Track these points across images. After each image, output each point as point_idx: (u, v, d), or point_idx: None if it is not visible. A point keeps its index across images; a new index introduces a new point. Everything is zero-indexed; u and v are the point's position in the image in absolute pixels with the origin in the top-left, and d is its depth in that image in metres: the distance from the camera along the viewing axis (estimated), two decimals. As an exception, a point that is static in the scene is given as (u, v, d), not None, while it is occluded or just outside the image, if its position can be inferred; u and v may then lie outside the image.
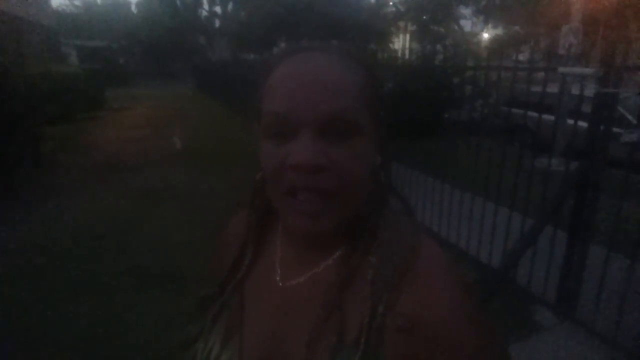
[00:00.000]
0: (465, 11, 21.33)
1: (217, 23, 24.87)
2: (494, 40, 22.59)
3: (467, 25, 23.89)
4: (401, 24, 23.77)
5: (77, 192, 4.88)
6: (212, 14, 24.84)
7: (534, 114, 2.77)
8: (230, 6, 23.77)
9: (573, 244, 2.46)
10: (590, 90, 2.37)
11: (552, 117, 3.76)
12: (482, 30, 24.17)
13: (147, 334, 2.32)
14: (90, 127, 9.00)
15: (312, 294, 0.50)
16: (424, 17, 21.35)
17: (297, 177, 0.44)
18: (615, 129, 2.30)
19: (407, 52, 5.31)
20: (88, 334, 2.35)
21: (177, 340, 0.58)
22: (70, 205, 4.47)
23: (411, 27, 23.70)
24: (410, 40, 24.16)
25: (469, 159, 3.16)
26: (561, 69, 2.27)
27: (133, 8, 30.30)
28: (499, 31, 22.78)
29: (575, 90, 3.66)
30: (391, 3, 23.63)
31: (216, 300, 0.57)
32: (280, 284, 0.54)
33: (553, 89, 3.48)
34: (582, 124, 2.39)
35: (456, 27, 23.22)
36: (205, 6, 24.78)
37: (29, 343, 2.28)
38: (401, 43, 23.94)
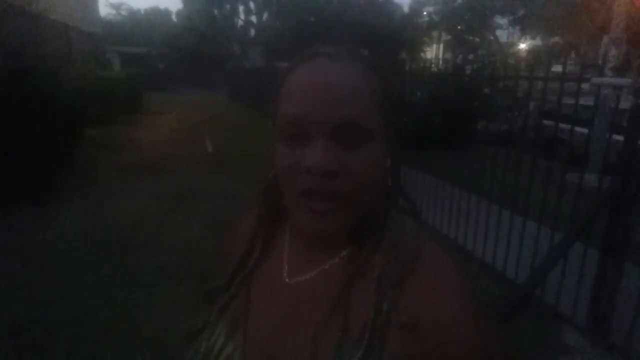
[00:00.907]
0: (502, 21, 20.86)
1: (252, 32, 25.52)
2: (531, 50, 21.95)
3: (503, 35, 23.35)
4: (435, 33, 23.54)
5: (113, 191, 5.11)
6: (248, 23, 25.52)
7: (571, 127, 2.67)
8: (265, 16, 24.37)
9: (606, 262, 2.34)
10: (629, 103, 2.28)
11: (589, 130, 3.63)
12: (520, 41, 23.55)
13: (171, 332, 2.39)
14: (129, 129, 9.41)
15: (318, 291, 0.51)
16: (459, 27, 21.09)
17: (311, 179, 0.45)
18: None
19: (440, 61, 5.26)
20: (115, 327, 2.45)
21: (184, 331, 0.60)
22: (106, 203, 4.68)
23: (445, 37, 23.44)
24: (445, 49, 23.86)
25: (499, 170, 3.07)
26: (594, 80, 2.19)
27: (173, 17, 31.63)
28: (538, 42, 22.12)
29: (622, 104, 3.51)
30: (425, 13, 23.48)
31: (223, 293, 0.58)
32: (287, 280, 0.55)
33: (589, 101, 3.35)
34: (619, 137, 2.30)
35: (492, 37, 22.75)
36: (242, 16, 25.51)
37: (62, 330, 2.40)
38: (434, 52, 23.67)
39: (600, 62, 4.84)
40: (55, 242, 3.60)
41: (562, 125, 2.73)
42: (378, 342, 0.44)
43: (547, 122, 3.35)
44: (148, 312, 2.60)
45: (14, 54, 6.78)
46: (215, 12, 24.65)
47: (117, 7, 32.74)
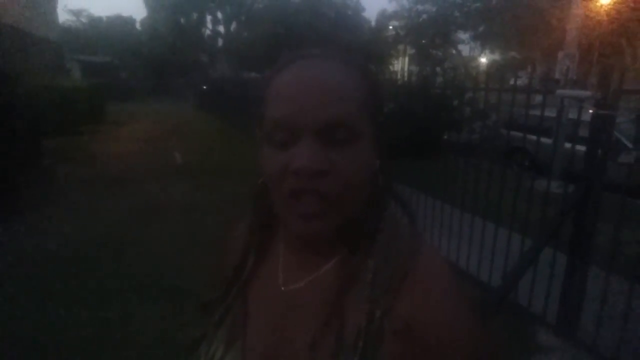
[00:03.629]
0: (464, 36, 21.86)
1: (220, 42, 25.33)
2: (491, 64, 23.09)
3: (465, 49, 24.45)
4: (400, 47, 24.31)
5: (75, 204, 4.87)
6: (215, 33, 25.35)
7: (533, 137, 2.82)
8: (233, 26, 24.26)
9: (573, 265, 2.47)
10: (587, 114, 2.43)
11: (549, 140, 3.83)
12: (480, 55, 24.73)
13: (143, 345, 2.29)
14: (91, 141, 9.04)
15: (313, 298, 0.51)
16: (423, 41, 21.89)
17: (299, 181, 0.44)
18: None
19: (405, 74, 5.42)
20: (84, 344, 2.32)
21: (182, 344, 0.59)
22: (69, 216, 4.45)
23: (410, 51, 24.24)
24: (409, 63, 24.66)
25: (469, 179, 3.19)
26: (559, 92, 2.33)
27: (137, 25, 30.86)
28: (496, 56, 23.32)
29: (572, 115, 3.74)
30: (391, 27, 24.23)
31: (220, 305, 0.58)
32: (283, 288, 0.54)
33: (550, 112, 3.55)
34: (579, 147, 2.45)
35: (454, 51, 23.75)
36: (209, 25, 25.32)
37: (28, 348, 2.25)
38: (400, 65, 24.40)
39: (557, 76, 5.17)
40: (19, 260, 3.37)
41: (522, 135, 2.88)
42: (372, 348, 0.44)
43: (505, 132, 3.52)
44: (120, 327, 2.49)
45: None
46: (182, 20, 24.32)
47: (77, 13, 31.51)
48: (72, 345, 2.32)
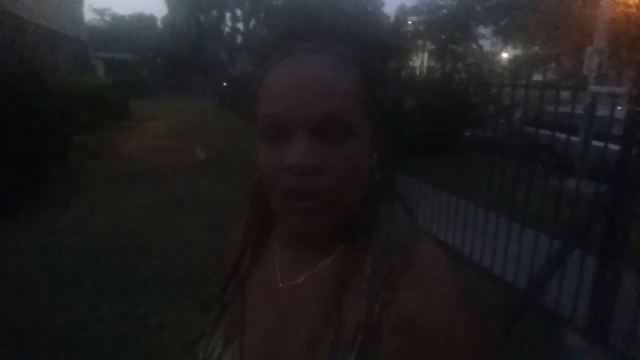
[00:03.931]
0: (485, 31, 21.40)
1: (239, 39, 25.51)
2: (513, 59, 22.55)
3: (486, 44, 23.94)
4: (420, 42, 23.98)
5: (102, 197, 5.03)
6: (235, 30, 25.53)
7: (559, 135, 2.76)
8: (252, 23, 24.40)
9: (604, 267, 2.41)
10: (619, 112, 2.37)
11: (576, 138, 3.74)
12: (502, 50, 24.17)
13: (168, 336, 2.35)
14: (117, 136, 9.28)
15: (311, 294, 0.50)
16: (443, 36, 21.55)
17: (294, 179, 0.44)
18: None
19: (425, 70, 5.37)
20: (111, 335, 2.40)
21: (181, 341, 0.59)
22: (96, 209, 4.60)
23: (430, 46, 23.90)
24: (429, 58, 24.32)
25: (494, 177, 3.15)
26: (592, 87, 2.28)
27: (159, 23, 31.37)
28: (519, 51, 22.75)
29: (602, 112, 3.64)
30: (410, 22, 23.92)
31: (218, 302, 0.57)
32: (280, 285, 0.54)
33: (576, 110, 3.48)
34: (611, 145, 2.39)
35: (475, 46, 23.30)
36: (228, 22, 25.52)
37: (61, 337, 2.34)
38: (419, 61, 24.08)
39: (585, 71, 5.02)
40: (51, 250, 3.51)
41: (548, 133, 2.82)
42: (371, 343, 0.44)
43: (530, 129, 3.45)
44: (148, 320, 2.56)
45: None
46: (202, 18, 24.59)
47: (101, 12, 32.30)
48: (102, 337, 2.41)
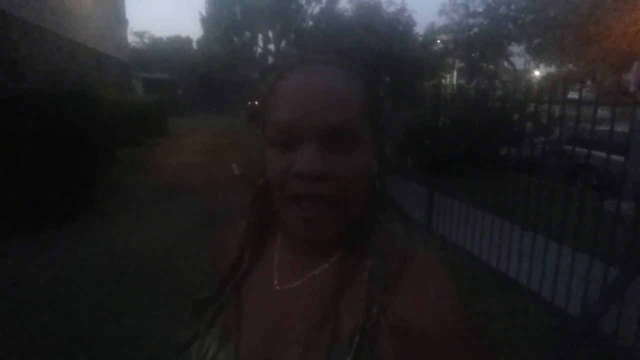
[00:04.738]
0: (517, 49, 21.12)
1: (270, 60, 26.26)
2: (546, 78, 22.08)
3: (518, 62, 23.57)
4: (449, 60, 23.89)
5: (149, 211, 5.24)
6: (266, 51, 26.31)
7: (599, 154, 2.69)
8: (283, 44, 25.11)
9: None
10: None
11: (620, 157, 3.62)
12: (535, 68, 23.73)
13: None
14: (157, 152, 9.69)
15: (309, 297, 0.51)
16: (473, 55, 21.40)
17: (301, 184, 0.45)
18: None
19: (455, 88, 5.36)
20: (151, 347, 2.43)
21: (174, 342, 0.60)
22: (144, 222, 4.79)
23: (459, 64, 23.77)
24: (458, 77, 24.15)
25: (536, 198, 3.07)
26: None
27: (194, 45, 32.81)
28: (552, 69, 22.25)
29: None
30: (439, 41, 23.92)
31: (213, 304, 0.58)
32: (278, 287, 0.54)
33: (618, 127, 3.38)
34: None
35: (507, 64, 22.99)
36: (260, 44, 26.35)
37: (104, 353, 2.44)
38: (449, 79, 23.94)
39: (631, 88, 4.88)
40: (98, 259, 3.68)
41: (589, 152, 2.75)
42: (368, 346, 0.44)
43: (568, 148, 3.36)
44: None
45: (53, 79, 7.13)
46: (235, 40, 25.52)
47: (140, 35, 34.21)
48: (141, 347, 2.44)
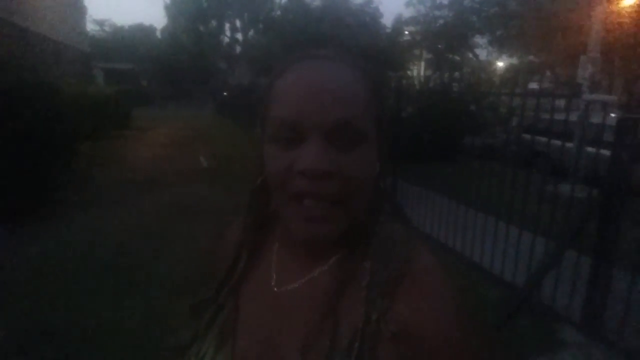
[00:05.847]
0: (481, 40, 21.75)
1: (238, 49, 25.80)
2: (508, 69, 22.90)
3: (482, 53, 24.30)
4: (416, 52, 24.32)
5: (108, 205, 5.11)
6: (234, 40, 25.84)
7: (554, 142, 2.90)
8: (251, 33, 24.71)
9: (598, 264, 2.54)
10: (610, 118, 2.51)
11: (570, 145, 3.89)
12: (497, 59, 24.53)
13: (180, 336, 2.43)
14: (120, 145, 9.40)
15: (307, 299, 0.50)
16: (439, 46, 21.89)
17: (304, 182, 0.44)
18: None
19: (422, 79, 5.54)
20: (126, 338, 2.45)
21: (171, 345, 0.64)
22: (108, 217, 4.68)
23: (427, 55, 24.24)
24: (425, 67, 24.64)
25: (492, 183, 3.28)
26: (585, 96, 2.42)
27: (158, 33, 31.71)
28: (514, 60, 23.09)
29: (595, 119, 3.79)
30: (407, 32, 24.27)
31: (211, 305, 0.57)
32: (275, 289, 0.53)
33: (570, 117, 3.63)
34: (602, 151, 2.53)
35: (471, 56, 23.66)
36: (227, 33, 25.85)
37: (69, 346, 2.42)
38: (416, 70, 24.40)
39: (579, 80, 5.19)
40: (60, 255, 3.60)
41: (544, 140, 2.96)
42: (368, 351, 0.43)
43: (527, 137, 3.58)
44: (158, 328, 2.61)
45: (4, 67, 6.77)
46: (201, 28, 24.89)
47: (101, 23, 32.60)
48: (106, 340, 2.46)
